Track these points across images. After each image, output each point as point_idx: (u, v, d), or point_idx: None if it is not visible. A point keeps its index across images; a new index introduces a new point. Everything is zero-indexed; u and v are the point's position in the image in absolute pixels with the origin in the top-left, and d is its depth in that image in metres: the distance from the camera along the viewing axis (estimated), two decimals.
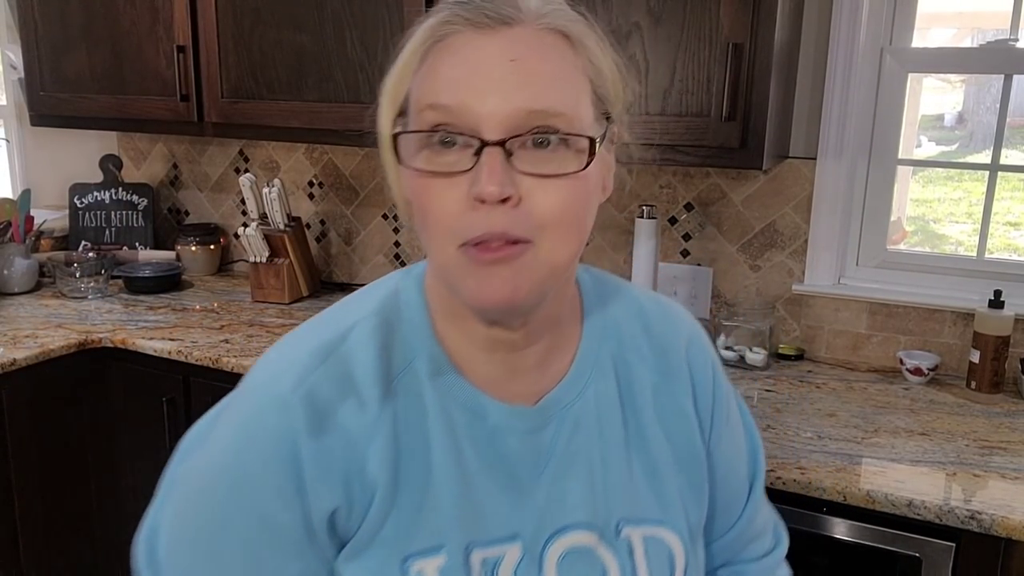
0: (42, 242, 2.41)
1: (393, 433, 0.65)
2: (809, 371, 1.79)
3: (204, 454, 0.66)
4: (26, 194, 2.25)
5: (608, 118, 0.65)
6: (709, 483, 0.79)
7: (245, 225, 2.14)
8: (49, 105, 2.23)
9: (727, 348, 1.80)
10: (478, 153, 0.58)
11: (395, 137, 0.62)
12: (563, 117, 0.59)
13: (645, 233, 1.80)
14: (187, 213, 2.62)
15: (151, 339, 1.84)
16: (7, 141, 2.52)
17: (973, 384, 1.64)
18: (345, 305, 0.72)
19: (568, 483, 0.69)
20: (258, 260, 2.15)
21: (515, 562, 0.67)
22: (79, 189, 2.51)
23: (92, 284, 2.18)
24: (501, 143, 0.58)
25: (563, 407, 0.71)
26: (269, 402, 0.64)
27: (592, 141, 0.61)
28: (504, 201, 0.58)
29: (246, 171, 2.44)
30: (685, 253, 1.98)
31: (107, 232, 2.53)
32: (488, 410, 0.68)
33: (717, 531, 0.85)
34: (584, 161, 0.60)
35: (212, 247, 2.48)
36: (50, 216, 2.46)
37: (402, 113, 0.63)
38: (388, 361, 0.66)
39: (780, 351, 1.86)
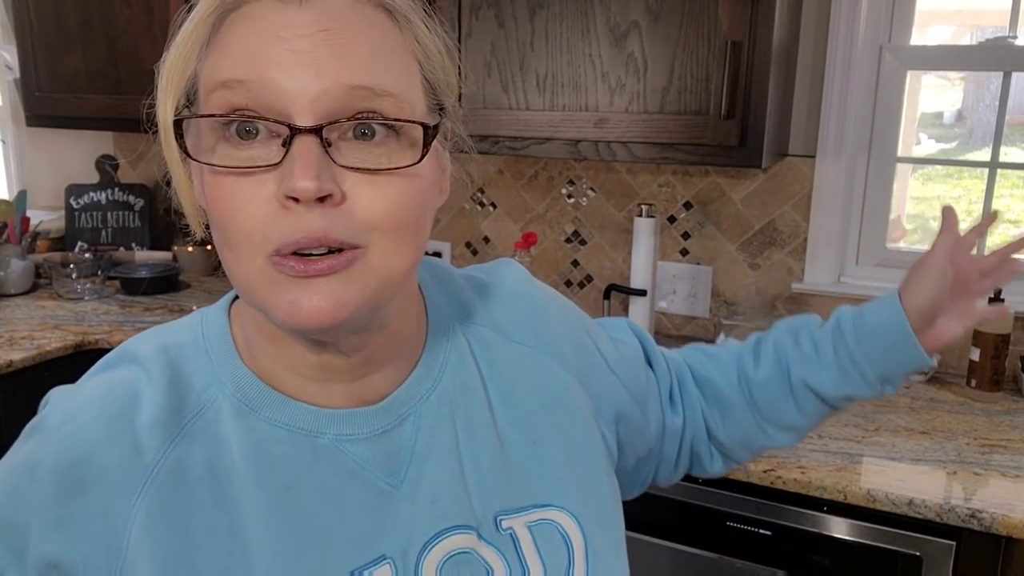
0: (38, 243, 2.40)
1: (177, 484, 0.55)
2: None
3: None
4: (22, 195, 2.24)
5: (442, 110, 0.56)
6: (647, 418, 0.76)
7: None
8: (45, 105, 2.22)
9: None
10: (287, 144, 0.48)
11: (177, 124, 0.51)
12: (391, 99, 0.50)
13: (644, 232, 1.80)
14: (184, 214, 2.60)
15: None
16: (3, 142, 2.51)
17: (973, 382, 1.64)
18: (137, 340, 0.62)
19: (435, 484, 0.60)
20: None
21: None
22: (75, 190, 2.50)
23: (89, 285, 2.18)
24: (316, 130, 0.48)
25: (416, 402, 0.61)
26: (29, 438, 0.57)
27: (427, 129, 0.52)
28: (323, 200, 0.48)
29: None
30: (684, 252, 1.98)
31: (103, 233, 2.52)
32: (322, 424, 0.58)
33: (654, 425, 0.79)
34: (418, 154, 0.51)
35: (209, 248, 2.47)
36: (46, 217, 2.45)
37: (188, 101, 0.52)
38: (180, 401, 0.57)
39: None
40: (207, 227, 0.56)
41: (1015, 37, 1.70)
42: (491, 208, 2.16)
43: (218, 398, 0.57)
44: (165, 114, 0.52)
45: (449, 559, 0.59)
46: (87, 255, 2.33)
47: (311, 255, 0.49)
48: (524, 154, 1.70)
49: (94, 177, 2.54)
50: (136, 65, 2.09)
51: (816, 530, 1.29)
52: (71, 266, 2.18)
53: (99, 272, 2.20)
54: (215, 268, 2.51)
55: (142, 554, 0.53)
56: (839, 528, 1.28)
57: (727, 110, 1.50)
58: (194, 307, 2.14)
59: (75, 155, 2.59)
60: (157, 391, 0.56)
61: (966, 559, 1.21)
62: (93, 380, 0.59)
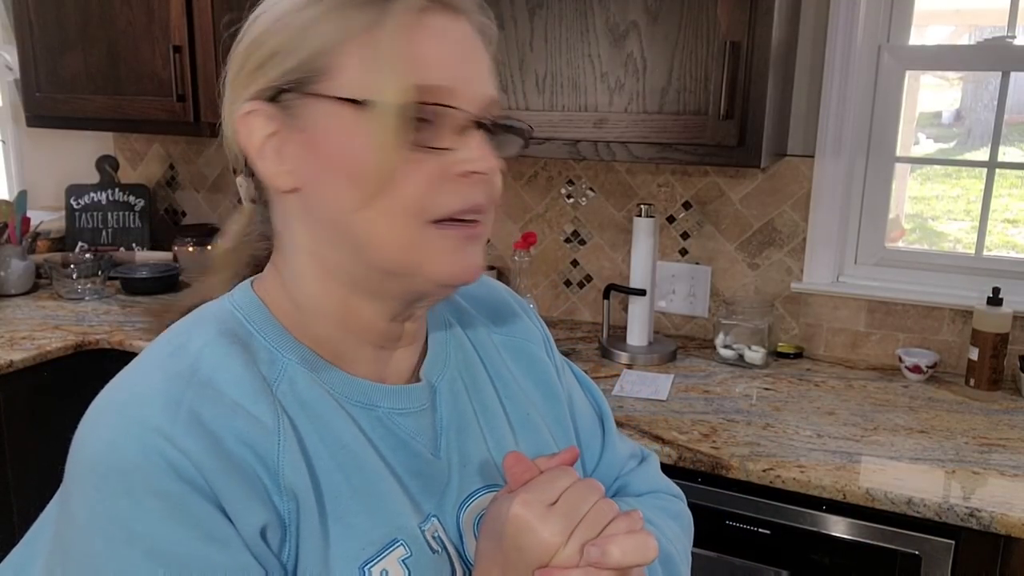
0: (39, 243, 2.40)
1: (297, 441, 0.59)
2: (808, 369, 1.79)
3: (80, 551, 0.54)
4: (22, 195, 2.24)
5: None
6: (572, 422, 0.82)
7: None
8: (45, 106, 2.23)
9: (726, 347, 1.80)
10: (461, 132, 0.59)
11: (415, 106, 0.57)
12: (499, 104, 0.63)
13: (643, 232, 1.80)
14: (184, 214, 2.61)
15: (148, 340, 1.83)
16: (3, 142, 2.51)
17: (972, 381, 1.64)
18: (170, 341, 0.62)
19: (463, 452, 0.69)
20: None
21: (436, 534, 0.65)
22: (75, 190, 2.50)
23: (89, 285, 2.18)
24: (488, 123, 0.60)
25: (438, 378, 0.71)
26: (144, 449, 0.53)
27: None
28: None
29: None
30: (683, 252, 1.98)
31: (104, 233, 2.52)
32: (377, 398, 0.65)
33: (585, 470, 0.84)
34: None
35: (209, 247, 2.47)
36: (46, 217, 2.45)
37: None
38: (259, 374, 0.60)
39: (779, 349, 1.86)
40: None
41: (1013, 37, 1.70)
42: None
43: (287, 368, 0.62)
44: (384, 95, 0.56)
45: (482, 515, 0.66)
46: (87, 255, 2.33)
47: (465, 220, 0.60)
48: (523, 154, 1.70)
49: (94, 177, 2.54)
50: (136, 65, 2.09)
51: (815, 529, 1.29)
52: (71, 266, 2.19)
53: (99, 272, 2.20)
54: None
55: (303, 504, 0.58)
56: (838, 527, 1.28)
57: (726, 110, 1.50)
58: None
59: (75, 155, 2.59)
60: (238, 369, 0.59)
61: (965, 558, 1.21)
62: (154, 376, 0.58)
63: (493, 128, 0.61)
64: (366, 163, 0.57)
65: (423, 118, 0.57)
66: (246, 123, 0.61)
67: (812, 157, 1.81)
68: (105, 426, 0.56)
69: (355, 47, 0.57)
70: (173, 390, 0.56)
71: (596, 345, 1.90)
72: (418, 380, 0.69)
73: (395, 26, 0.57)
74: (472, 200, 0.60)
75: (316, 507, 0.59)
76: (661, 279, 1.97)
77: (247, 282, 0.67)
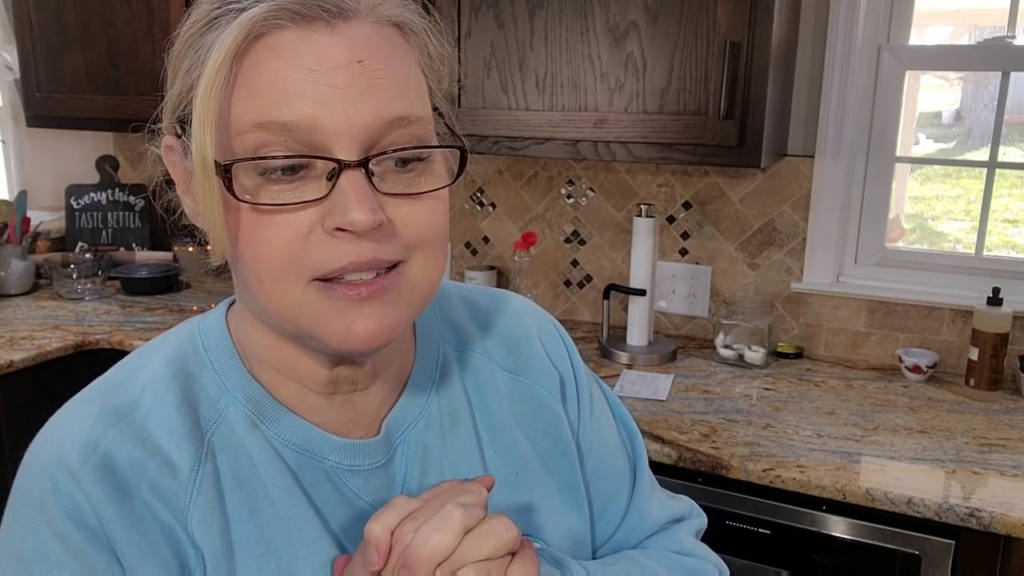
0: (39, 243, 2.40)
1: (216, 494, 0.55)
2: (808, 369, 1.79)
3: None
4: (22, 195, 2.24)
5: (439, 113, 0.57)
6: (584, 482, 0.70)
7: None
8: (45, 106, 2.22)
9: (726, 347, 1.80)
10: (331, 177, 0.49)
11: (227, 168, 0.49)
12: (420, 122, 0.52)
13: (643, 232, 1.80)
14: (184, 214, 2.60)
15: (148, 340, 1.84)
16: (3, 142, 2.51)
17: (972, 381, 1.64)
18: (127, 364, 0.61)
19: None
20: None
21: None
22: (75, 190, 2.50)
23: (89, 285, 2.18)
24: (362, 163, 0.49)
25: (406, 430, 0.62)
26: (53, 483, 0.53)
27: (463, 152, 0.55)
28: (374, 229, 0.50)
29: None
30: (683, 252, 1.98)
31: (104, 233, 2.52)
32: (326, 450, 0.59)
33: (600, 535, 0.73)
34: (449, 170, 0.55)
35: (209, 248, 2.47)
36: (46, 217, 2.45)
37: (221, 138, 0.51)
38: (194, 415, 0.57)
39: (779, 349, 1.86)
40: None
41: (1013, 37, 1.70)
42: (490, 208, 2.16)
43: (229, 410, 0.58)
44: (205, 154, 0.49)
45: None
46: (87, 255, 2.33)
47: (356, 280, 0.51)
48: (523, 154, 1.71)
49: (94, 177, 2.55)
50: (136, 65, 2.09)
51: (815, 529, 1.29)
52: (71, 266, 2.19)
53: (99, 272, 2.20)
54: (215, 269, 2.51)
55: (210, 561, 0.55)
56: (838, 527, 1.28)
57: (726, 110, 1.50)
58: (195, 308, 2.14)
59: (75, 155, 2.59)
60: (170, 409, 0.57)
61: (965, 558, 1.21)
62: (91, 407, 0.57)
63: (374, 164, 0.50)
64: (209, 221, 0.51)
65: (292, 167, 0.49)
66: (167, 156, 0.57)
67: (812, 157, 1.81)
68: (35, 453, 0.56)
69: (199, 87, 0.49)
70: (97, 429, 0.55)
71: (596, 345, 1.90)
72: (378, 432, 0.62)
73: (219, 60, 0.48)
74: (343, 259, 0.49)
75: (225, 565, 0.55)
76: (661, 279, 1.97)
77: (224, 303, 0.63)
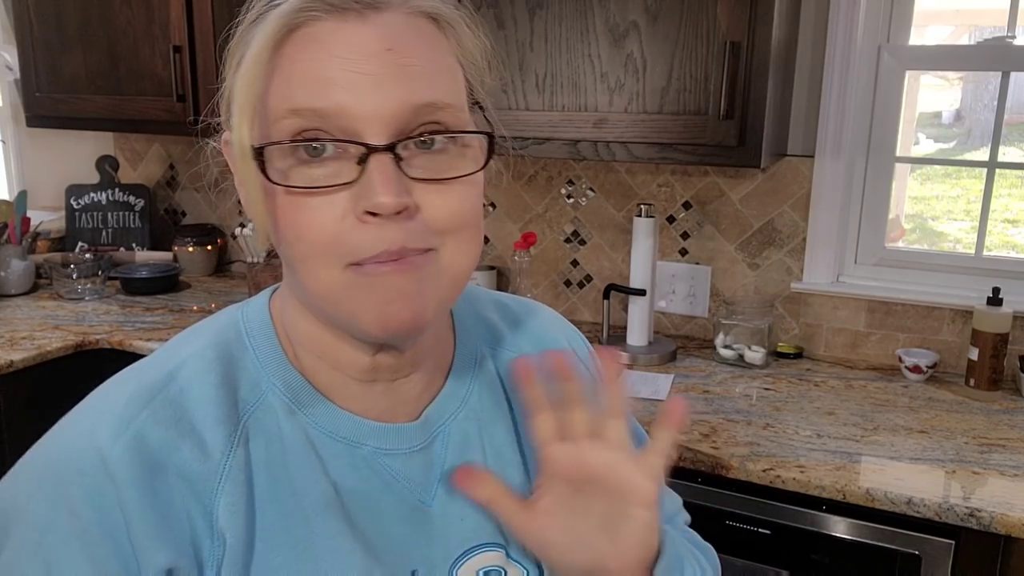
0: (39, 243, 2.40)
1: (245, 480, 0.56)
2: (808, 369, 1.79)
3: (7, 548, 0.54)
4: (22, 195, 2.24)
5: (481, 107, 0.59)
6: None
7: (242, 225, 2.13)
8: (45, 106, 2.23)
9: (726, 347, 1.80)
10: (362, 162, 0.51)
11: (260, 151, 0.52)
12: (450, 109, 0.53)
13: (643, 232, 1.80)
14: (184, 214, 2.61)
15: (148, 340, 1.84)
16: (3, 142, 2.51)
17: (972, 381, 1.64)
18: (171, 345, 0.62)
19: (464, 502, 0.62)
20: (255, 260, 2.14)
21: None
22: (75, 190, 2.50)
23: (89, 285, 2.18)
24: (390, 148, 0.51)
25: (446, 420, 0.64)
26: (80, 462, 0.53)
27: (491, 137, 0.56)
28: (399, 213, 0.51)
29: None
30: (683, 252, 1.98)
31: (104, 233, 2.52)
32: (363, 436, 0.60)
33: None
34: (481, 159, 0.55)
35: (209, 248, 2.47)
36: (47, 217, 2.45)
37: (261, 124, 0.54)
38: (233, 397, 0.58)
39: (779, 349, 1.86)
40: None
41: (1013, 37, 1.70)
42: (490, 208, 2.16)
43: (268, 396, 0.59)
44: (242, 140, 0.52)
45: (487, 571, 0.62)
46: (87, 255, 2.33)
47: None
48: (523, 154, 1.71)
49: (94, 177, 2.54)
50: (136, 65, 2.09)
51: (815, 529, 1.29)
52: (71, 266, 2.19)
53: (99, 272, 2.20)
54: (215, 268, 2.51)
55: (231, 548, 0.55)
56: (838, 527, 1.28)
57: (726, 110, 1.50)
58: (195, 308, 2.14)
59: (75, 155, 2.59)
60: (209, 388, 0.57)
61: (965, 558, 1.21)
62: (126, 387, 0.58)
63: (403, 150, 0.51)
64: (251, 207, 0.54)
65: (317, 149, 0.51)
66: (226, 151, 0.59)
67: (812, 157, 1.81)
68: (68, 426, 0.57)
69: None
70: (131, 407, 0.56)
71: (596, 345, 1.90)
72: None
73: (257, 50, 0.51)
74: (377, 247, 0.51)
75: (242, 555, 0.55)
76: (661, 279, 1.97)
77: (268, 291, 0.65)
